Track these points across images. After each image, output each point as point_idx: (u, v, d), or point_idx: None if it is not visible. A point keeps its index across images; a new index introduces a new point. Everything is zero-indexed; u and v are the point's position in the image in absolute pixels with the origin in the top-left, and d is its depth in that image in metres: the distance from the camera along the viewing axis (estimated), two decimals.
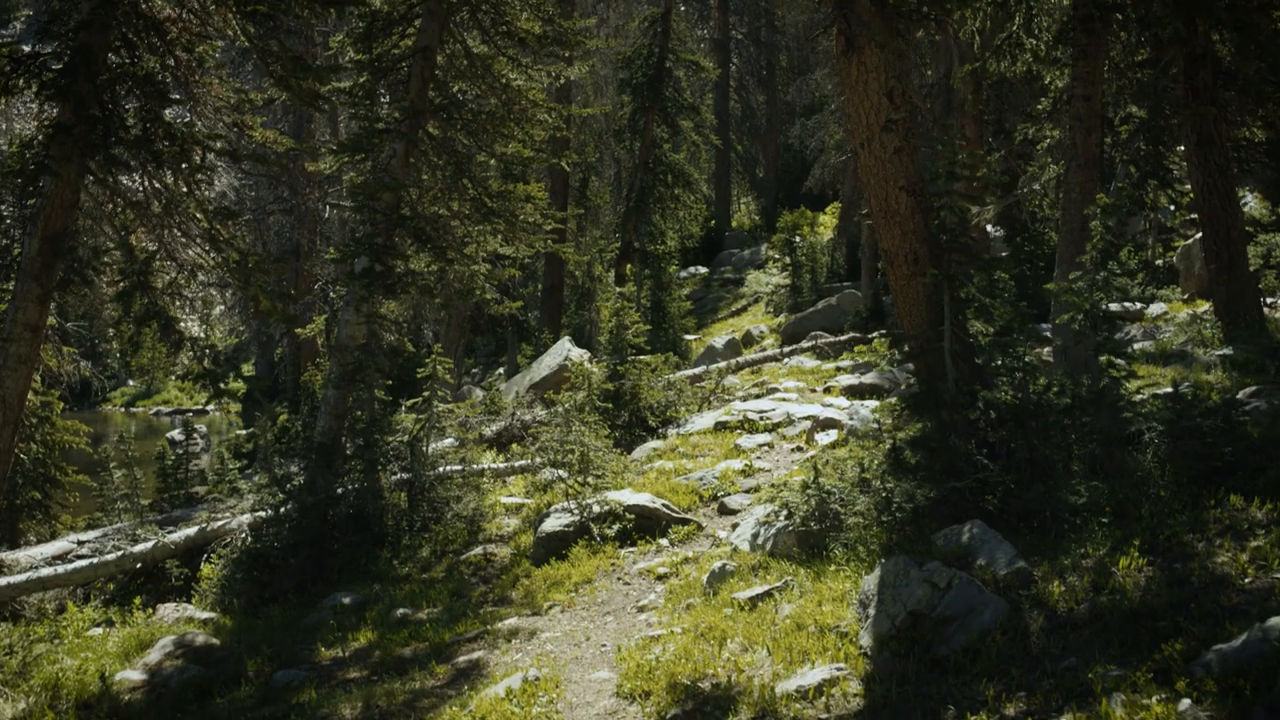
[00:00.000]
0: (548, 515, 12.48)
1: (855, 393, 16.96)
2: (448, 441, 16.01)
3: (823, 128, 40.32)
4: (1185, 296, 19.69)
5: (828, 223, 42.00)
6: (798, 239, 33.18)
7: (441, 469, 14.51)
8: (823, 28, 10.03)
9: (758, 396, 18.56)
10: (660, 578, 10.57)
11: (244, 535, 13.55)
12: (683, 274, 41.26)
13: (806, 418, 15.31)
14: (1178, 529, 7.28)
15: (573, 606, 10.38)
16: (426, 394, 14.73)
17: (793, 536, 9.40)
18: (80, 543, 14.74)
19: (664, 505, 12.11)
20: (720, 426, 16.06)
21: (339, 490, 13.81)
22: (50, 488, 17.57)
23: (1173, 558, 6.99)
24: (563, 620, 10.04)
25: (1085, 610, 6.54)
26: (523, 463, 16.09)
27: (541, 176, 33.27)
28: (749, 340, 29.93)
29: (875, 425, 10.62)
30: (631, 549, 11.55)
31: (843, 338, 24.39)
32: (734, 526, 11.37)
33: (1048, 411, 8.36)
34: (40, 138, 10.57)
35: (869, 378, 17.47)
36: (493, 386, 27.11)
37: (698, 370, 21.45)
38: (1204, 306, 17.99)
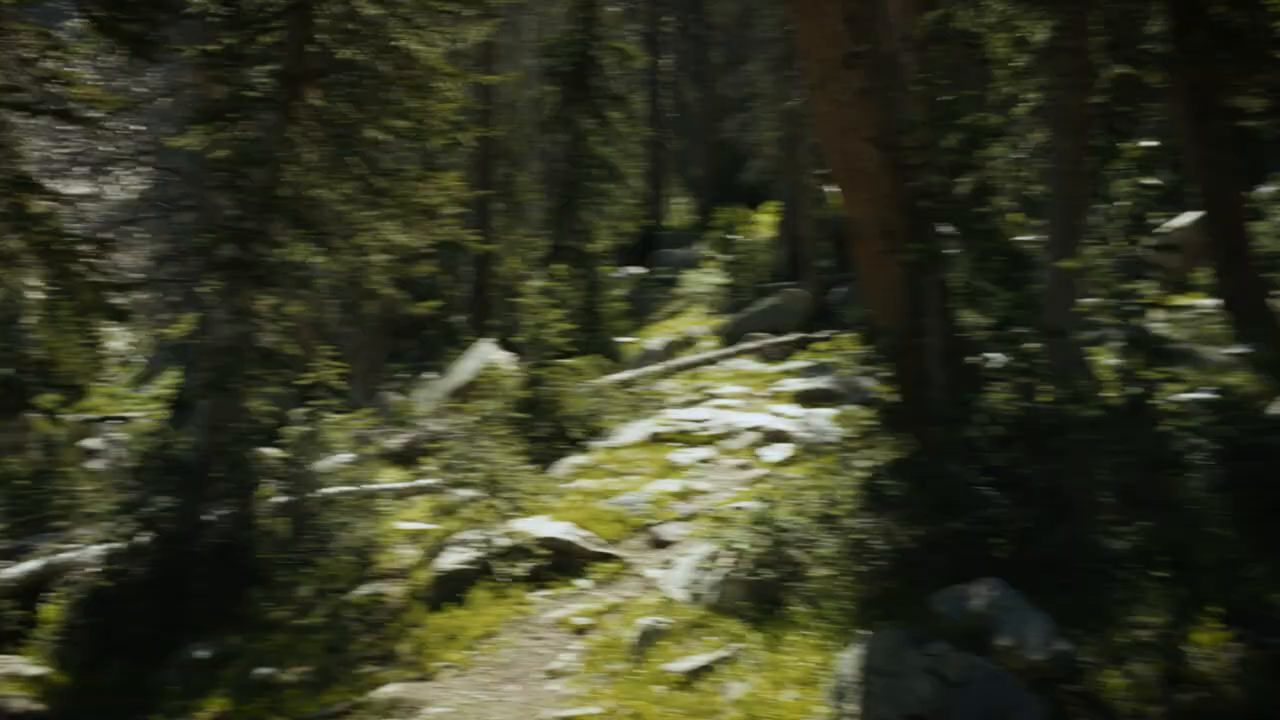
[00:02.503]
0: (446, 548, 10.48)
1: (806, 399, 15.13)
2: (343, 458, 13.91)
3: (758, 120, 38.65)
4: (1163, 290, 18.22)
5: (766, 220, 40.50)
6: (735, 236, 31.73)
7: (330, 490, 12.43)
8: None
9: (696, 403, 16.68)
10: (578, 630, 8.63)
11: (94, 571, 11.36)
12: (616, 274, 39.42)
13: (752, 428, 13.48)
14: (1256, 585, 5.46)
15: (469, 668, 8.43)
16: (313, 404, 12.68)
17: (741, 587, 7.43)
18: None
19: (584, 537, 10.17)
20: (653, 439, 14.14)
21: (205, 518, 11.68)
22: None
23: (1262, 629, 5.14)
24: (456, 687, 8.12)
25: (1163, 716, 4.65)
26: (426, 481, 14.01)
27: (467, 169, 31.35)
28: (686, 342, 28.19)
29: (839, 442, 8.63)
30: (544, 592, 9.57)
31: (788, 338, 22.56)
32: (667, 564, 9.46)
33: (1070, 427, 6.46)
34: None
35: (821, 382, 15.67)
36: (411, 393, 25.06)
37: (628, 375, 19.44)
38: (1184, 300, 16.63)
